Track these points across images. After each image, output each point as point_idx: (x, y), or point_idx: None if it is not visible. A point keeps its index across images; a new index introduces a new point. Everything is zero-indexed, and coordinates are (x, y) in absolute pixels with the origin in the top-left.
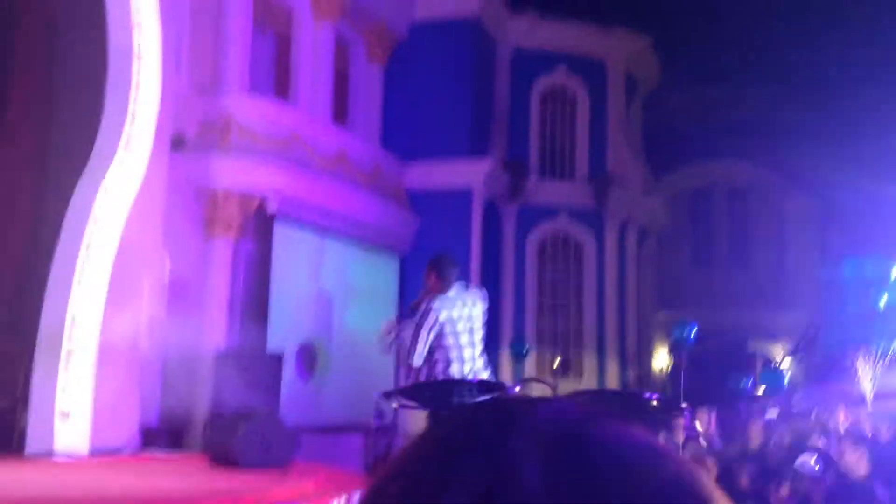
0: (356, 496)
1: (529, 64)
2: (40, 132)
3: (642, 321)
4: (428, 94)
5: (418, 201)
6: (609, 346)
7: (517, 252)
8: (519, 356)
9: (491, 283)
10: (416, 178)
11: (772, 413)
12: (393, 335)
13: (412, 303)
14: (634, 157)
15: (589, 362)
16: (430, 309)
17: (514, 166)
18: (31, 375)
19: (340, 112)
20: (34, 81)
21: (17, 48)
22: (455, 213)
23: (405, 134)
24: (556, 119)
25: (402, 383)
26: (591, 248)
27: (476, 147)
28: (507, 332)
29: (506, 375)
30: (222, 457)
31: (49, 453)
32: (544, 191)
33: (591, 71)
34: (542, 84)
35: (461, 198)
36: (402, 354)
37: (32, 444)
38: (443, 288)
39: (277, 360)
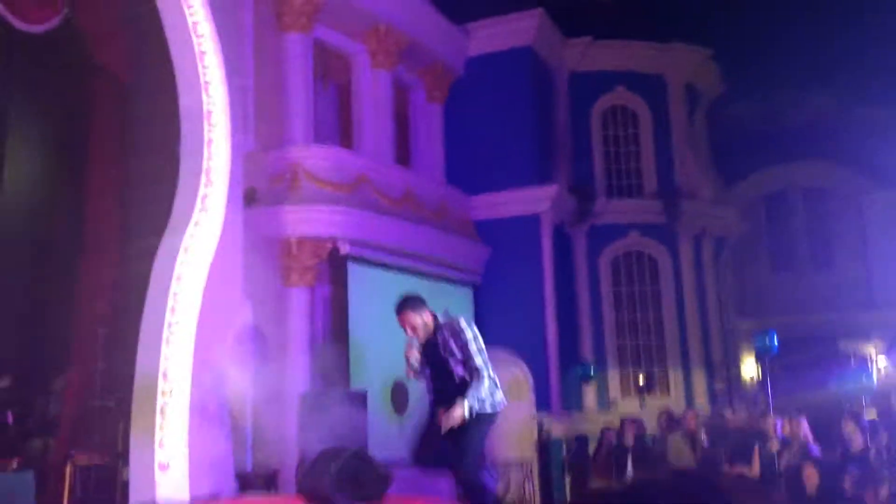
0: None
1: (587, 86)
2: (118, 192)
3: (726, 331)
4: (489, 127)
5: (487, 232)
6: (693, 359)
7: (590, 272)
8: (585, 378)
9: (566, 306)
10: (483, 210)
11: (870, 413)
12: (416, 358)
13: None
14: (703, 167)
15: (674, 377)
16: (463, 329)
17: (580, 189)
18: (128, 430)
19: (403, 153)
20: (110, 142)
21: (92, 110)
22: (524, 240)
23: (469, 168)
24: (618, 138)
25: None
26: (665, 262)
27: (541, 174)
28: (586, 352)
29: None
30: (317, 496)
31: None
32: (613, 210)
33: (650, 87)
34: (601, 104)
35: (529, 225)
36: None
37: (135, 495)
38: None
39: (361, 398)
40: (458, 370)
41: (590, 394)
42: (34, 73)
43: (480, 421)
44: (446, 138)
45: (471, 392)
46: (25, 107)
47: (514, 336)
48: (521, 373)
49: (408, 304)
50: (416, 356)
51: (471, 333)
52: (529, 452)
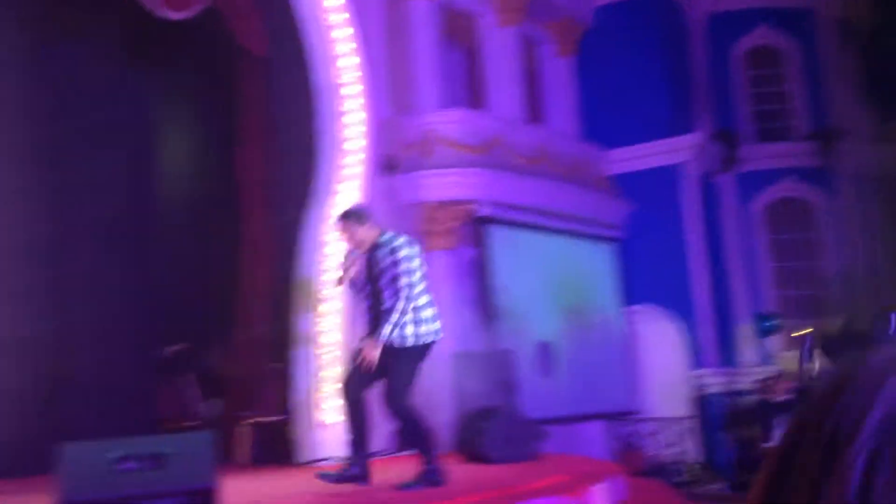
0: (612, 483)
1: (726, 27)
2: (266, 167)
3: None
4: (622, 78)
5: (627, 186)
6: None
7: (740, 223)
8: (767, 331)
9: (715, 258)
10: (621, 164)
11: None
12: (351, 270)
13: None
14: (858, 105)
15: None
16: (399, 247)
17: (725, 135)
18: (294, 392)
19: (535, 110)
20: (255, 119)
21: (237, 90)
22: (667, 192)
23: (604, 121)
24: (764, 79)
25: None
26: (823, 207)
27: (680, 122)
28: (740, 307)
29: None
30: (473, 453)
31: (316, 461)
32: (762, 155)
33: (797, 23)
34: (742, 46)
35: (671, 176)
36: (358, 293)
37: (303, 453)
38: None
39: (511, 357)
40: (387, 295)
41: (747, 348)
42: (181, 59)
43: (406, 355)
44: (578, 92)
45: (385, 324)
46: (175, 91)
47: (661, 291)
48: (671, 328)
49: (350, 215)
50: (353, 270)
51: (410, 258)
52: (685, 410)
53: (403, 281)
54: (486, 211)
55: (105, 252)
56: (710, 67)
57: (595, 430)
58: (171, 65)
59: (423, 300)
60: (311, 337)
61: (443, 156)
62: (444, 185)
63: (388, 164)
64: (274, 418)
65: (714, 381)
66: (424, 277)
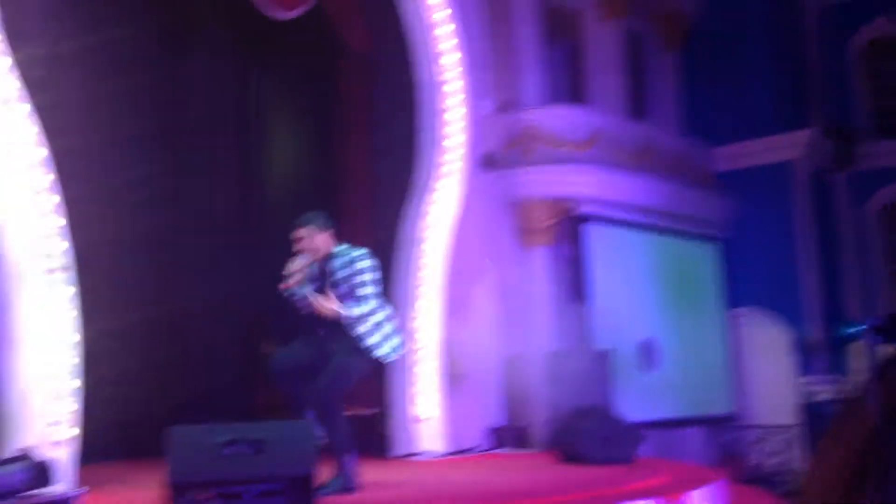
0: (710, 491)
1: (843, 17)
2: (368, 163)
3: None
4: (731, 71)
5: (733, 184)
6: None
7: (856, 222)
8: (846, 340)
9: (826, 259)
10: (727, 161)
11: None
12: (303, 275)
13: (305, 261)
14: None
15: None
16: (374, 265)
17: (839, 132)
18: (388, 386)
19: (638, 106)
20: (358, 116)
21: (340, 88)
22: (775, 190)
23: (710, 117)
24: (883, 73)
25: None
26: None
27: (791, 118)
28: (853, 311)
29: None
30: (570, 453)
31: (411, 454)
32: (882, 152)
33: None
34: (861, 37)
35: (781, 174)
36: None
37: (397, 447)
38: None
39: (605, 357)
40: (346, 300)
41: (859, 355)
42: (288, 57)
43: (360, 356)
44: (684, 87)
45: (351, 309)
46: (282, 89)
47: (768, 294)
48: (777, 333)
49: (315, 220)
50: (300, 275)
51: (372, 270)
52: (791, 417)
53: (368, 290)
54: (585, 208)
55: (215, 242)
56: (824, 60)
57: (695, 435)
58: (278, 61)
59: (382, 315)
60: (408, 331)
61: (543, 152)
62: (543, 182)
63: (486, 161)
64: (369, 411)
65: (822, 389)
66: (381, 293)
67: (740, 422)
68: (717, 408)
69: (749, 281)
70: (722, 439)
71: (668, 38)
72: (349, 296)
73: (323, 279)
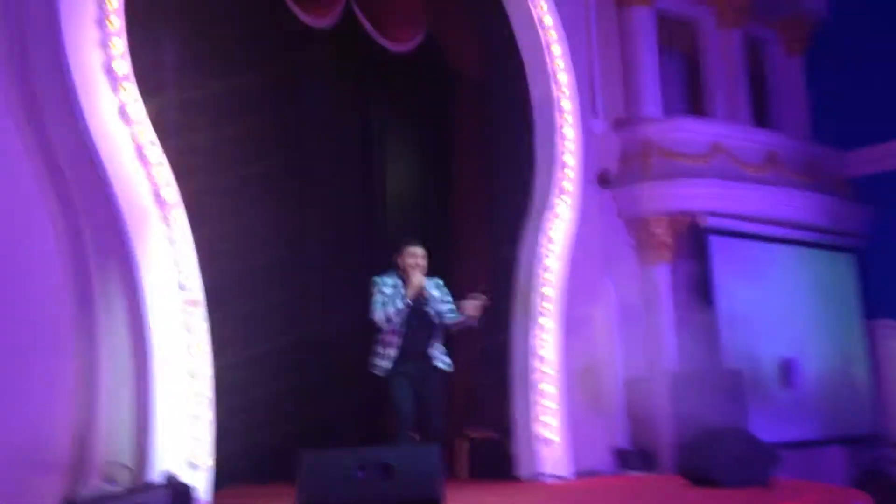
0: None
1: None
2: (483, 185)
3: None
4: (862, 72)
5: (868, 189)
6: None
7: None
8: None
9: None
10: (862, 166)
11: None
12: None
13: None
14: None
15: None
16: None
17: None
18: (511, 407)
19: (762, 113)
20: (472, 140)
21: (455, 113)
22: None
23: (841, 120)
24: None
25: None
26: None
27: None
28: None
29: None
30: (700, 476)
31: (537, 476)
32: None
33: None
34: None
35: None
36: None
37: (522, 468)
38: None
39: (737, 375)
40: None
41: None
42: (403, 87)
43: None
44: (811, 91)
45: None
46: (399, 118)
47: None
48: None
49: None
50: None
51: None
52: None
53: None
54: (706, 222)
55: (339, 272)
56: None
57: (835, 455)
58: (396, 94)
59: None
60: (531, 350)
61: (660, 167)
62: (661, 196)
63: (602, 178)
64: (492, 432)
65: None
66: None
67: (883, 440)
68: (859, 426)
69: (889, 291)
70: (864, 459)
71: (792, 41)
72: (442, 315)
73: (417, 302)
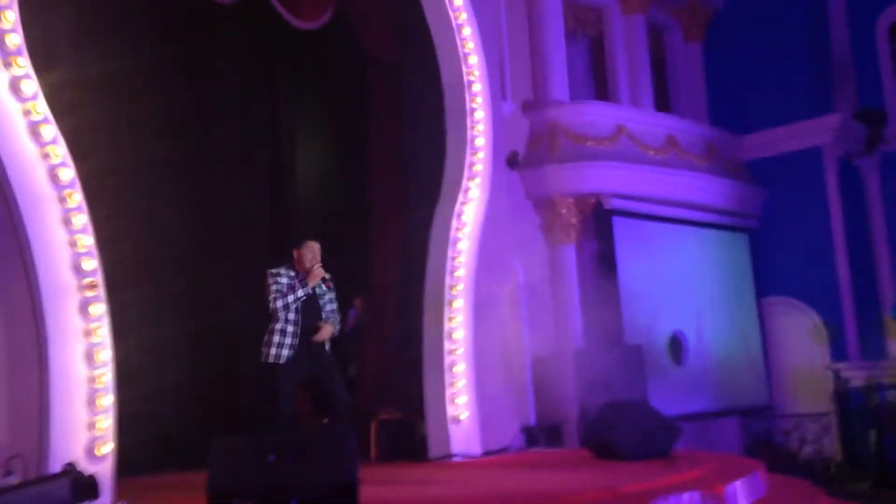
0: (751, 479)
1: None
2: (396, 167)
3: None
4: (755, 59)
5: (761, 172)
6: None
7: (886, 206)
8: None
9: (858, 246)
10: (755, 150)
11: None
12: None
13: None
14: None
15: None
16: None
17: (869, 115)
18: (423, 388)
19: (663, 98)
20: (385, 121)
21: (366, 94)
22: (805, 178)
23: (736, 106)
24: None
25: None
26: None
27: (819, 103)
28: (887, 296)
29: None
30: (604, 450)
31: (448, 456)
32: None
33: None
34: (888, 18)
35: (809, 160)
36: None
37: (433, 449)
38: None
39: (637, 352)
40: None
41: (893, 340)
42: (313, 66)
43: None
44: (708, 77)
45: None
46: (310, 98)
47: (799, 282)
48: (812, 321)
49: None
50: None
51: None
52: (825, 405)
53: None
54: (610, 203)
55: (246, 256)
56: (851, 43)
57: (730, 426)
58: (306, 74)
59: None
60: (442, 332)
61: (567, 149)
62: (567, 178)
63: (511, 159)
64: (404, 415)
65: (856, 375)
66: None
67: (775, 411)
68: (752, 398)
69: (782, 269)
70: (757, 429)
71: (692, 28)
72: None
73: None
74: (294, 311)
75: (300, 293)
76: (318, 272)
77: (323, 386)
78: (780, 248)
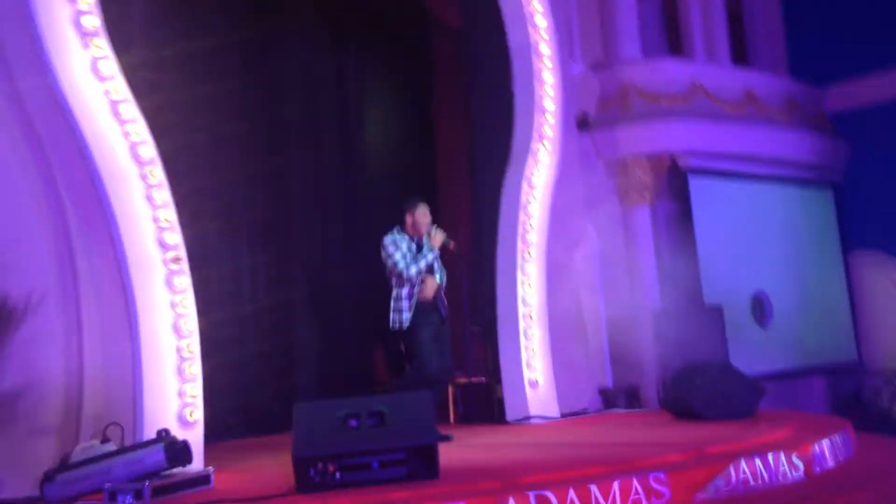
0: (838, 439)
1: None
2: (464, 129)
3: None
4: (838, 5)
5: (847, 125)
6: None
7: None
8: None
9: None
10: (839, 101)
11: None
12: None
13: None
14: None
15: None
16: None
17: None
18: (498, 353)
19: (740, 52)
20: (452, 87)
21: (433, 60)
22: (891, 128)
23: (819, 56)
24: None
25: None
26: None
27: None
28: None
29: None
30: (685, 411)
31: (526, 419)
32: None
33: None
34: None
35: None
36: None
37: (511, 411)
38: None
39: (717, 312)
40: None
41: None
42: (381, 37)
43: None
44: (788, 27)
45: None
46: (375, 65)
47: (887, 236)
48: None
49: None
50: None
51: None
52: None
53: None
54: (686, 162)
55: (323, 227)
56: None
57: (817, 385)
58: (373, 44)
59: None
60: (516, 296)
61: (639, 108)
62: (640, 138)
63: (581, 121)
64: (482, 378)
65: None
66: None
67: (864, 368)
68: (839, 355)
69: (870, 223)
70: (845, 387)
71: None
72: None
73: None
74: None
75: (430, 257)
76: (441, 235)
77: (438, 353)
78: (867, 202)
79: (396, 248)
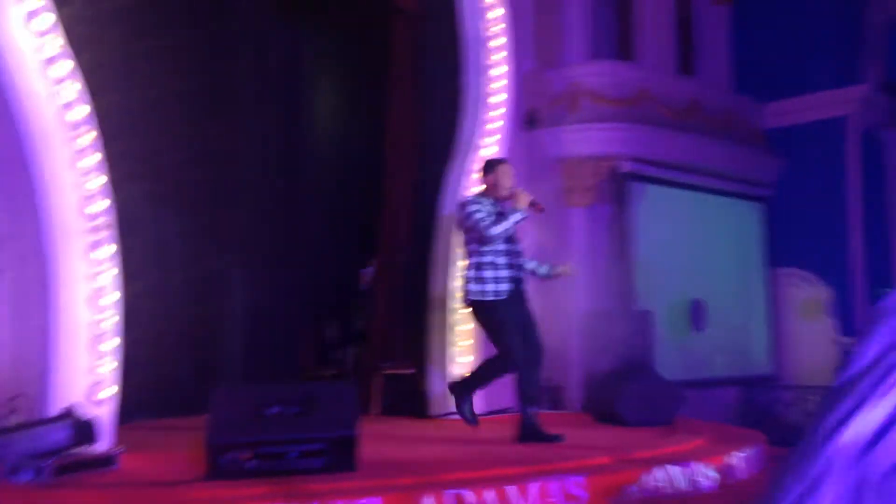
0: (752, 451)
1: None
2: (414, 121)
3: None
4: (782, 26)
5: (781, 141)
6: None
7: None
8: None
9: (873, 220)
10: (776, 118)
11: None
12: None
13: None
14: None
15: None
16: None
17: (894, 87)
18: (427, 345)
19: (687, 61)
20: (404, 74)
21: (387, 45)
22: (825, 148)
23: (760, 73)
24: None
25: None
26: None
27: (845, 73)
28: None
29: None
30: (606, 414)
31: (449, 414)
32: None
33: None
34: None
35: (831, 131)
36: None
37: (434, 407)
38: None
39: (647, 317)
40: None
41: None
42: (335, 15)
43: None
44: (734, 42)
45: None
46: (330, 47)
47: (811, 253)
48: (818, 293)
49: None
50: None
51: (476, 208)
52: (831, 378)
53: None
54: (629, 167)
55: (258, 200)
56: (883, 12)
57: (731, 395)
58: (325, 19)
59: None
60: (449, 291)
61: (587, 109)
62: (585, 140)
63: (529, 118)
64: (408, 370)
65: None
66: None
67: (778, 382)
68: (756, 368)
69: (794, 240)
70: (759, 399)
71: None
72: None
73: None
74: (503, 240)
75: (517, 216)
76: (526, 195)
77: (524, 328)
78: (793, 220)
79: (478, 208)
